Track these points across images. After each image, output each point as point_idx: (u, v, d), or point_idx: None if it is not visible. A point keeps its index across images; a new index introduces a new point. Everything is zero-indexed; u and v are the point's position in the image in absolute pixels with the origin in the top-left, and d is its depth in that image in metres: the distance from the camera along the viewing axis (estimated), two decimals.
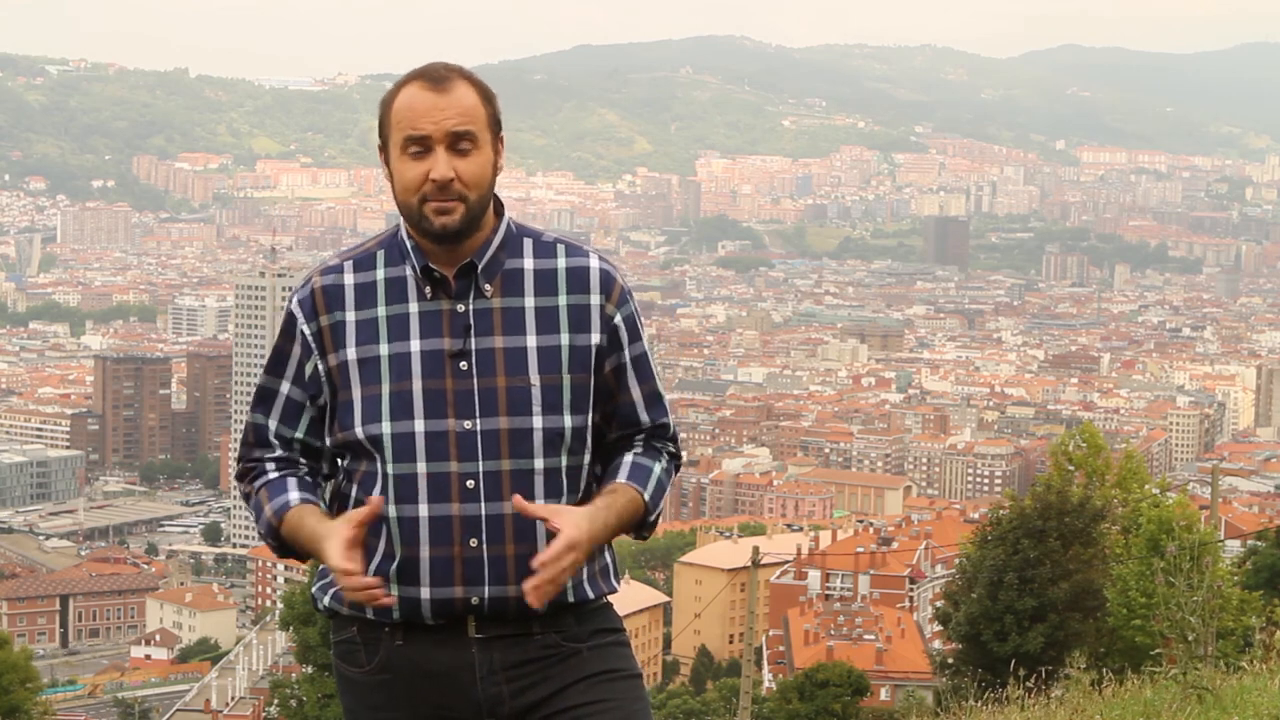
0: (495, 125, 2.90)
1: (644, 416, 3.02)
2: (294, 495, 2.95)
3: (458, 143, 2.83)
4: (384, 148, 2.90)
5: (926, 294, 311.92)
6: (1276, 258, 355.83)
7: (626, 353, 2.98)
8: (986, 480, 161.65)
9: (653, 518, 3.00)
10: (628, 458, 3.01)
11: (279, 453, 2.99)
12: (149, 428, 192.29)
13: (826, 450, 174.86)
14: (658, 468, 3.01)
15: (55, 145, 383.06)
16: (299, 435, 2.99)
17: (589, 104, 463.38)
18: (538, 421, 2.88)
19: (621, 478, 2.96)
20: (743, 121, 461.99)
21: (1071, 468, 28.49)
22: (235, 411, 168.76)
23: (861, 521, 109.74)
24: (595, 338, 2.94)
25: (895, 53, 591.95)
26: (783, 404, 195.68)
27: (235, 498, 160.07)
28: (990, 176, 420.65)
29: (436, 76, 2.86)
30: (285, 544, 2.96)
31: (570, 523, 2.79)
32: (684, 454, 3.16)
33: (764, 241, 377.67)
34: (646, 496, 2.96)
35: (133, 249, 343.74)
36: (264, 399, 3.01)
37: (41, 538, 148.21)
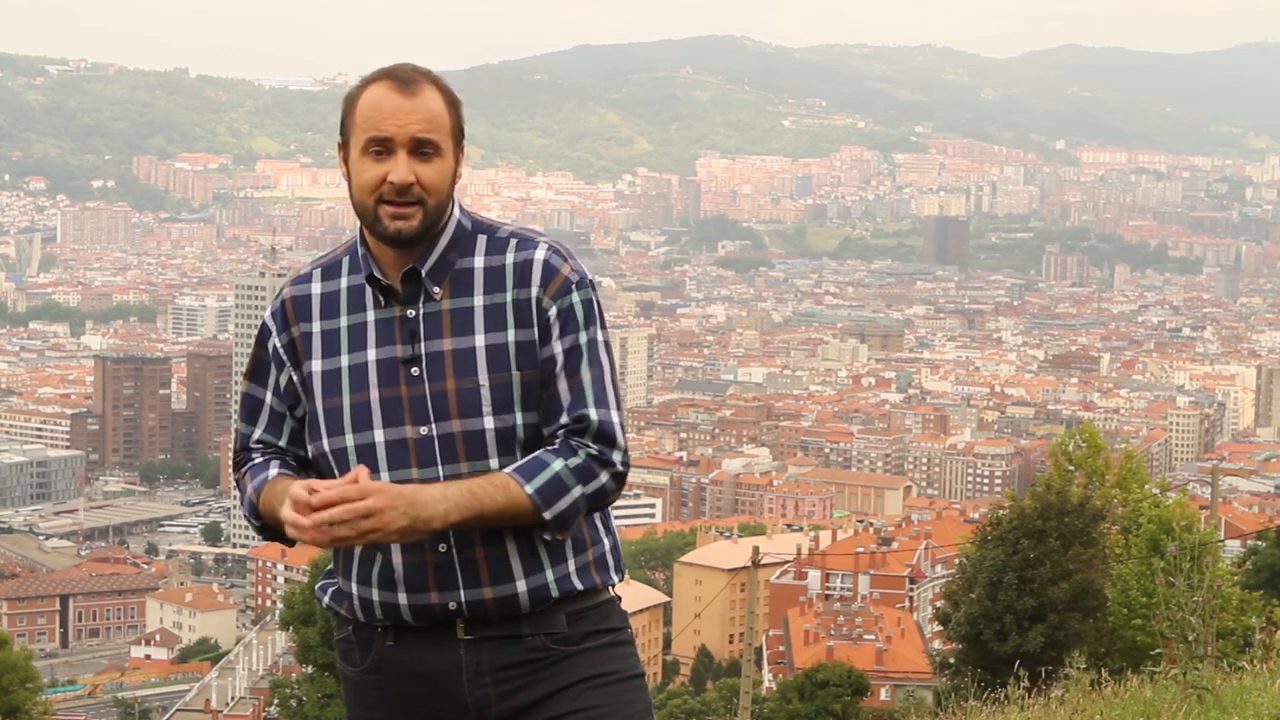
0: (458, 133, 2.88)
1: (564, 411, 2.85)
2: (272, 472, 2.94)
3: (420, 148, 2.80)
4: (344, 145, 2.87)
5: (926, 294, 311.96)
6: (1276, 258, 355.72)
7: (556, 345, 2.87)
8: (986, 480, 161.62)
9: (549, 516, 2.79)
10: (533, 453, 2.85)
11: (263, 452, 3.00)
12: (149, 428, 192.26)
13: (826, 450, 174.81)
14: (558, 463, 2.81)
15: (55, 145, 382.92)
16: (282, 444, 2.99)
17: (589, 104, 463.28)
18: (489, 422, 2.83)
19: (506, 469, 2.82)
20: (743, 121, 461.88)
21: (1071, 468, 28.47)
22: (235, 411, 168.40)
23: (861, 521, 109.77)
24: (535, 331, 2.87)
25: (895, 53, 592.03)
26: (783, 404, 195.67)
27: (235, 498, 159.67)
28: (990, 176, 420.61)
29: (405, 78, 2.82)
30: (265, 521, 2.94)
31: (378, 483, 2.72)
32: (624, 463, 2.89)
33: (764, 241, 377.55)
34: (530, 489, 2.78)
35: (133, 249, 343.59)
36: (250, 408, 3.02)
37: (41, 538, 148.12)
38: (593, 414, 2.84)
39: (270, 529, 2.93)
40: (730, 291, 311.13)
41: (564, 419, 2.85)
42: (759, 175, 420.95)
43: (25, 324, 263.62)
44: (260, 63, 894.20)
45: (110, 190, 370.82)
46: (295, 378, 2.94)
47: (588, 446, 2.83)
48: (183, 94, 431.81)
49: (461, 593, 2.83)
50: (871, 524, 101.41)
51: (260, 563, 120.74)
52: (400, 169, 2.78)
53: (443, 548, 2.82)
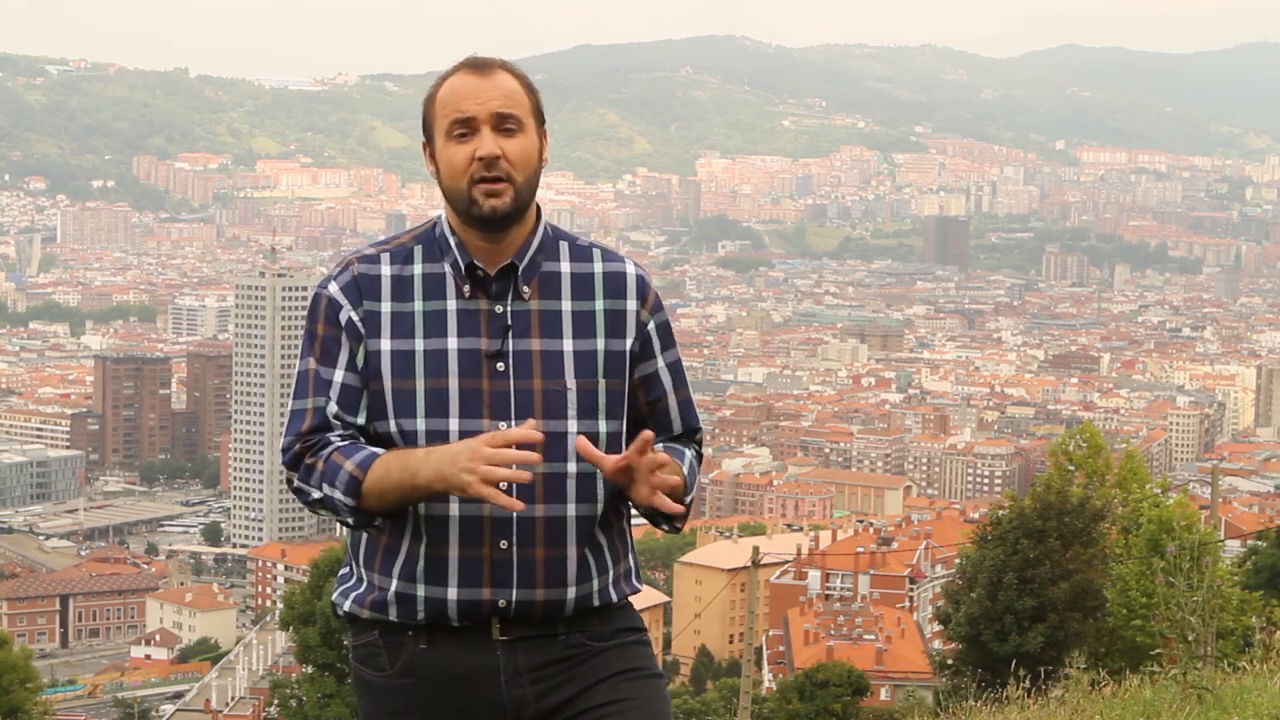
0: (539, 116, 2.96)
1: (679, 423, 3.04)
2: (376, 449, 2.85)
3: (503, 123, 2.85)
4: (429, 141, 2.90)
5: (926, 294, 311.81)
6: (1276, 258, 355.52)
7: (661, 359, 2.99)
8: (986, 480, 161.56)
9: (688, 499, 2.95)
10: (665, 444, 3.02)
11: (341, 430, 2.89)
12: (149, 428, 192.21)
13: (826, 450, 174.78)
14: (689, 454, 3.01)
15: (55, 145, 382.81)
16: (360, 422, 2.89)
17: (589, 104, 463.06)
18: (573, 425, 2.85)
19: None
20: (743, 121, 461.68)
21: (1071, 468, 28.44)
22: (235, 411, 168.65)
23: (861, 521, 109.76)
24: (629, 343, 2.93)
25: (895, 53, 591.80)
26: (783, 404, 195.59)
27: (235, 497, 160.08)
28: (990, 176, 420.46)
29: (479, 63, 2.92)
30: (364, 502, 2.81)
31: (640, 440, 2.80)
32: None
33: (764, 241, 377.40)
34: (685, 470, 2.93)
35: (133, 249, 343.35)
36: (318, 386, 2.89)
37: (41, 538, 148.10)
38: (700, 425, 3.10)
39: (363, 511, 2.83)
40: (730, 291, 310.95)
41: (679, 429, 3.04)
42: (759, 175, 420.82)
43: (25, 324, 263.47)
44: (260, 63, 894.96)
45: (110, 190, 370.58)
46: (369, 351, 2.89)
47: (696, 446, 3.06)
48: (183, 94, 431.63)
49: (514, 591, 2.83)
50: (871, 524, 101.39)
51: (260, 563, 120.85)
52: (486, 143, 2.82)
53: (504, 544, 2.82)
